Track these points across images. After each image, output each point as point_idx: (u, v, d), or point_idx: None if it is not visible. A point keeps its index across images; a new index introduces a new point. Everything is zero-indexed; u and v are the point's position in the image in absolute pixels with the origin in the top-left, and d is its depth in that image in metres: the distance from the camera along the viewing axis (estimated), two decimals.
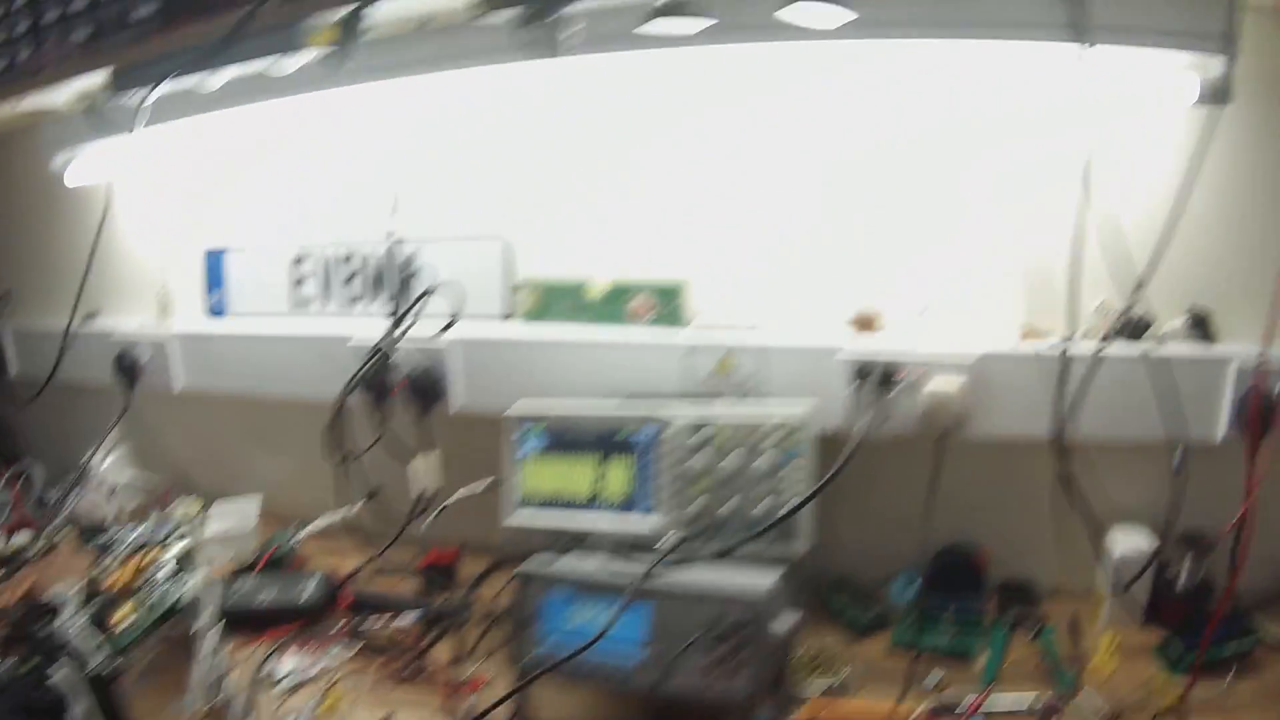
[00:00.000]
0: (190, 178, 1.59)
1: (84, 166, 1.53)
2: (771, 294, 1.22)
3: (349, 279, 1.41)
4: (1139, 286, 0.98)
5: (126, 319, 1.65)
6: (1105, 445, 1.04)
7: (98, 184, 1.57)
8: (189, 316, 1.60)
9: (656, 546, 1.09)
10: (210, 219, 1.59)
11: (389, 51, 1.15)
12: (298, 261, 1.45)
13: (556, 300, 1.26)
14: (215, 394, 1.54)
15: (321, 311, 1.44)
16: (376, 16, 1.09)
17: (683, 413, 1.11)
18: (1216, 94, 0.95)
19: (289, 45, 1.11)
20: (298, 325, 1.46)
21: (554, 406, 1.18)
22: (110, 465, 1.61)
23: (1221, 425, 1.00)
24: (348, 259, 1.41)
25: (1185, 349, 1.03)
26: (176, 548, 1.20)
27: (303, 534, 1.38)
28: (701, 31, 1.00)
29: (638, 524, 1.10)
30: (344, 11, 1.07)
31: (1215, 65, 0.94)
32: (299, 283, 1.45)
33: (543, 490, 1.16)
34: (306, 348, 1.41)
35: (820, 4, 0.93)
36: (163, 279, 1.62)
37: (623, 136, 1.27)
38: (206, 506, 1.48)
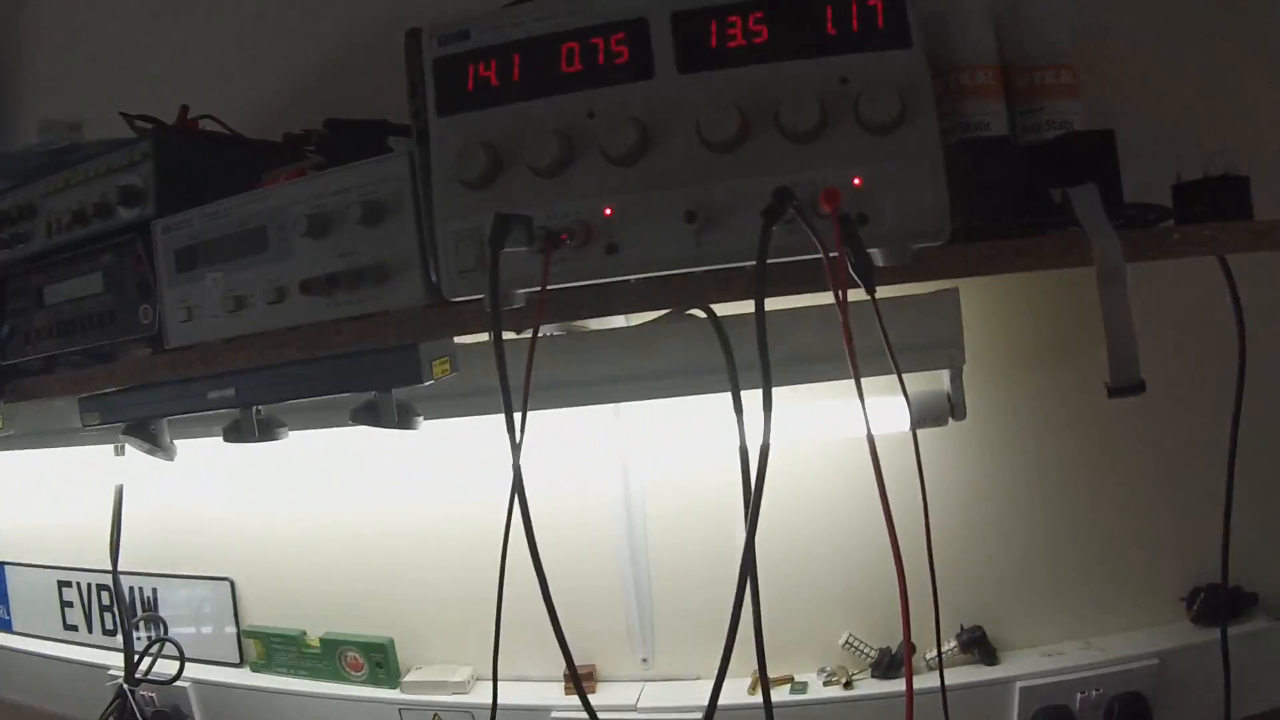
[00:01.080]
0: None
1: None
2: (487, 647, 1.24)
3: (104, 609, 1.46)
4: None
5: None
6: None
7: None
8: None
9: None
10: None
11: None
12: (65, 584, 1.50)
13: (280, 649, 1.30)
14: (7, 703, 1.59)
15: (86, 638, 1.48)
16: None
17: None
18: (937, 415, 0.89)
19: None
20: (68, 648, 1.50)
21: None
22: None
23: None
24: (103, 589, 1.45)
25: (962, 673, 0.99)
26: None
27: None
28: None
29: None
30: None
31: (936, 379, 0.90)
32: (67, 605, 1.50)
33: None
34: (74, 672, 1.45)
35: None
36: None
37: (326, 483, 1.31)
38: None
